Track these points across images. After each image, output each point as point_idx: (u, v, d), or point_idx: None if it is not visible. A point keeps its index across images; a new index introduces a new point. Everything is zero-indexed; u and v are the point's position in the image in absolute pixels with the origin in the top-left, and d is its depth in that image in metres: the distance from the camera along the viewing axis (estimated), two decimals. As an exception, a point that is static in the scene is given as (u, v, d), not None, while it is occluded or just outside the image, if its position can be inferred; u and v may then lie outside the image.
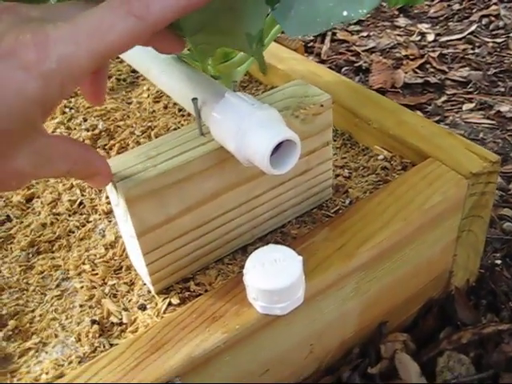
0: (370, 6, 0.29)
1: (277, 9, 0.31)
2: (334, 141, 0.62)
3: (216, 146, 0.41)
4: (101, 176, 0.37)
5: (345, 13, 0.29)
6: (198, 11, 0.31)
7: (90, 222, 0.55)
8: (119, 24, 0.29)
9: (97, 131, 0.67)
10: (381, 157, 0.58)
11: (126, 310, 0.46)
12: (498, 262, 0.67)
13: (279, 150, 0.37)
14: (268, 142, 0.35)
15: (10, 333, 0.46)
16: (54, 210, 0.57)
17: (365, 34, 1.22)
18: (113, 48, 0.29)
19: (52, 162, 0.32)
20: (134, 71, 0.82)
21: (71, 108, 0.73)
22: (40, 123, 0.30)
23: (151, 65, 0.48)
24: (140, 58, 0.49)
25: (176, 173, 0.41)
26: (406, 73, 1.06)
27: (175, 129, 0.66)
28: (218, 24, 0.34)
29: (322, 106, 0.46)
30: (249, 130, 0.36)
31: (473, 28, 1.19)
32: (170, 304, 0.45)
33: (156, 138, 0.65)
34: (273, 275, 0.39)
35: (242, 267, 0.46)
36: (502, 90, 0.99)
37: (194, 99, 0.41)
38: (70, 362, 0.43)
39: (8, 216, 0.58)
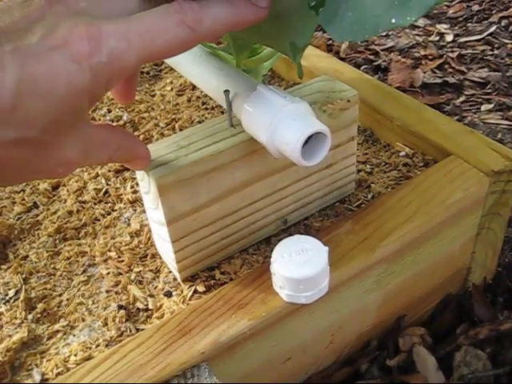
0: (418, 13, 0.29)
1: (321, 14, 0.31)
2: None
3: (245, 138, 0.42)
4: (140, 159, 0.39)
5: (393, 20, 0.29)
6: None
7: (115, 210, 0.57)
8: (171, 30, 0.30)
9: (121, 122, 0.69)
10: (402, 153, 0.59)
11: (151, 296, 0.47)
12: (515, 260, 0.67)
13: (309, 142, 0.38)
14: (300, 134, 0.36)
15: (39, 315, 0.47)
16: (79, 198, 0.58)
17: (383, 33, 1.23)
18: (161, 51, 0.30)
19: (96, 149, 0.33)
20: (156, 64, 0.83)
21: (95, 99, 0.74)
22: (86, 114, 0.31)
23: (182, 57, 0.49)
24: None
25: (206, 163, 0.42)
26: (424, 72, 1.06)
27: (199, 121, 0.67)
28: (262, 27, 0.35)
29: (348, 101, 0.47)
30: (281, 122, 0.37)
31: (492, 29, 1.19)
32: (195, 291, 0.46)
33: (180, 130, 0.66)
34: (300, 264, 0.40)
35: (266, 257, 0.47)
36: (521, 91, 1.00)
37: (226, 91, 0.42)
38: (98, 345, 0.44)
39: (35, 203, 0.59)
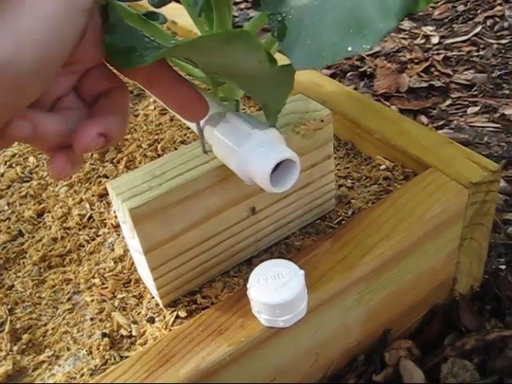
0: (373, 41, 0.30)
1: (284, 42, 0.32)
2: (337, 151, 0.63)
3: (219, 164, 0.43)
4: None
5: (349, 48, 0.30)
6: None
7: (100, 235, 0.57)
8: None
9: (105, 145, 0.69)
10: (383, 167, 0.59)
11: (135, 322, 0.47)
12: (502, 267, 0.67)
13: (280, 167, 0.38)
14: (268, 162, 0.36)
15: (24, 346, 0.47)
16: (64, 225, 0.59)
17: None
18: None
19: None
20: (140, 83, 0.83)
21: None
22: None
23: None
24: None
25: (180, 191, 0.42)
26: (410, 77, 1.06)
27: (181, 141, 0.67)
28: (239, 82, 0.36)
29: (322, 121, 0.47)
30: (249, 150, 0.37)
31: (477, 30, 1.19)
32: (177, 317, 0.46)
33: (162, 151, 0.66)
34: (275, 289, 0.40)
35: (247, 279, 0.47)
36: (507, 92, 1.00)
37: (197, 119, 0.42)
38: (82, 375, 0.44)
39: (20, 231, 0.59)
